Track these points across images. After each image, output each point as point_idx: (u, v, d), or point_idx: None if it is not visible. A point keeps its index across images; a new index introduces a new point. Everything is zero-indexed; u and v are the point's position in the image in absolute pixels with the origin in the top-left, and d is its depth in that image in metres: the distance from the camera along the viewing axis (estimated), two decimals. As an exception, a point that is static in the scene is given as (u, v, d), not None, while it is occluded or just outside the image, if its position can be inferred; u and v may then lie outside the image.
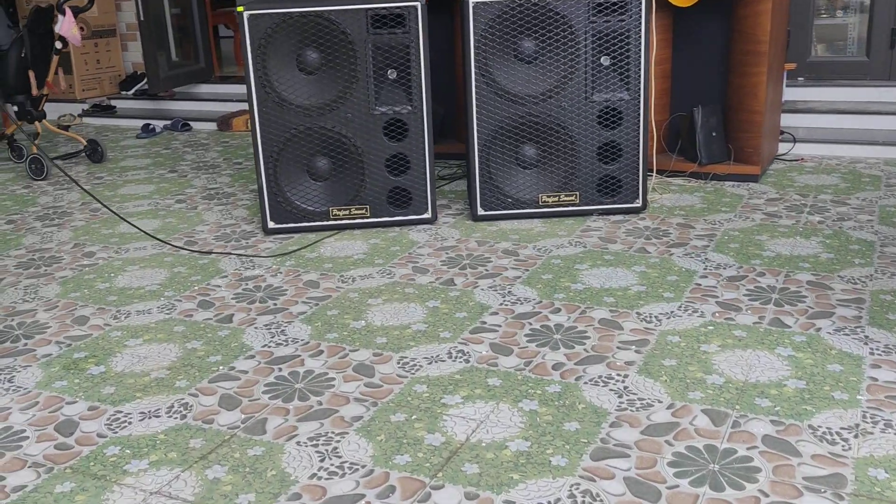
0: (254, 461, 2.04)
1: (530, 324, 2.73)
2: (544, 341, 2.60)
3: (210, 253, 3.56)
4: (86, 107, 7.22)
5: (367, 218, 3.76)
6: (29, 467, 2.06)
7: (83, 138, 5.49)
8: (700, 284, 2.99)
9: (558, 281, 3.07)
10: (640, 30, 3.61)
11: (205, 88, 7.24)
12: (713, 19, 4.30)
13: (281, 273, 3.29)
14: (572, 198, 3.78)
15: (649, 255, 3.30)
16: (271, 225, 3.74)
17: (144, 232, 3.80)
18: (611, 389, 2.29)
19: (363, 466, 2.00)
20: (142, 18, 6.48)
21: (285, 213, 3.73)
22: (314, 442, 2.10)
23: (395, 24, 3.58)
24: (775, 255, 3.25)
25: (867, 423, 2.09)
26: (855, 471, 1.90)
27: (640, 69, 3.65)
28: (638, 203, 3.80)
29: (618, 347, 2.53)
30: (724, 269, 3.12)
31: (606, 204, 3.80)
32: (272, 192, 3.70)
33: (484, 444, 2.06)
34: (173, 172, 5.11)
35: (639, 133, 3.71)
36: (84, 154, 5.59)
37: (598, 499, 1.84)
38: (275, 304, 2.98)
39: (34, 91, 5.24)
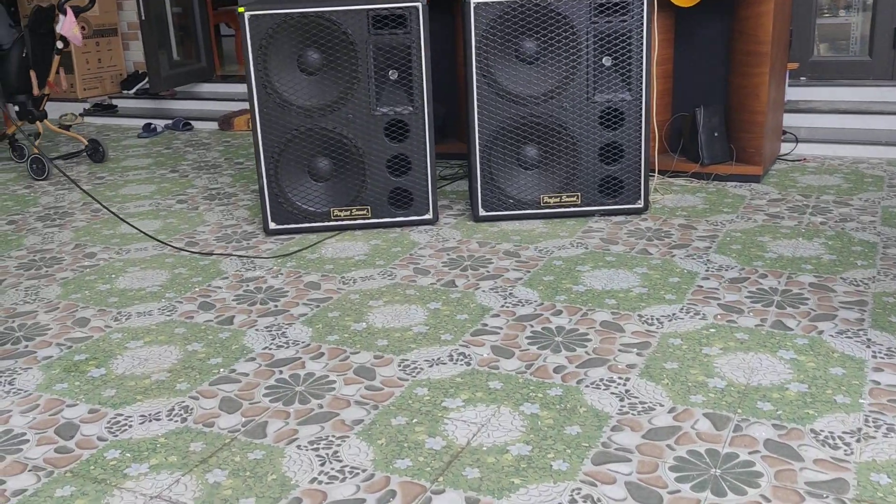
0: (254, 465, 2.03)
1: (531, 326, 2.72)
2: (545, 344, 2.59)
3: (211, 254, 3.55)
4: (87, 106, 7.22)
5: (368, 219, 3.75)
6: (29, 471, 2.06)
7: (84, 138, 5.49)
8: (702, 286, 2.98)
9: (560, 282, 3.07)
10: (641, 30, 3.60)
11: (206, 87, 7.24)
12: (715, 19, 4.29)
13: (282, 274, 3.28)
14: (574, 198, 3.77)
15: (651, 257, 3.29)
16: (272, 226, 3.74)
17: (144, 233, 3.79)
18: (612, 393, 2.28)
19: (364, 470, 1.99)
20: (143, 17, 6.48)
21: (286, 213, 3.73)
22: (315, 446, 2.10)
23: (397, 24, 3.58)
24: (777, 256, 3.24)
25: (869, 427, 2.08)
26: (857, 475, 1.89)
27: (641, 69, 3.64)
28: (640, 204, 3.79)
29: (619, 350, 2.53)
30: (726, 270, 3.12)
31: (608, 205, 3.79)
32: (273, 193, 3.70)
33: (485, 448, 2.06)
34: (174, 172, 5.11)
35: (640, 133, 3.71)
36: (85, 154, 5.59)
37: (599, 504, 1.84)
38: (276, 306, 2.98)
39: (35, 91, 5.23)
